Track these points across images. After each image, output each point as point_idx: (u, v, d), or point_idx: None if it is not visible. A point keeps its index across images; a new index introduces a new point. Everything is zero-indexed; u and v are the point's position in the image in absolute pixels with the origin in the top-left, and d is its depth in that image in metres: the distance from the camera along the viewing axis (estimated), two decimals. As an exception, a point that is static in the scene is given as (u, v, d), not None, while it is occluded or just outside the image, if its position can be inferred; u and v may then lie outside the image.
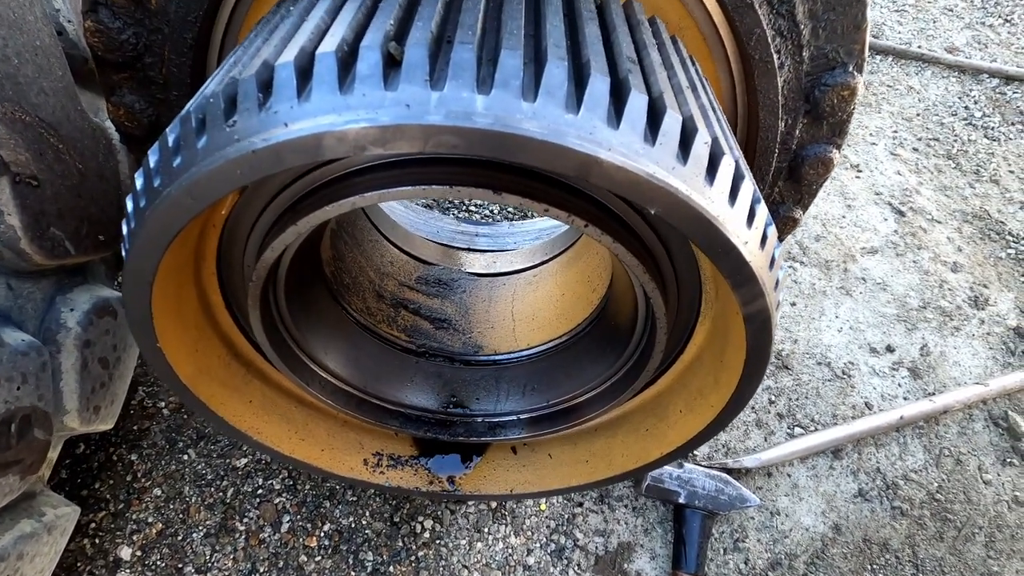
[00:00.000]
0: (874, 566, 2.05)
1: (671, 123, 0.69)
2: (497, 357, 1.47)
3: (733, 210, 0.74)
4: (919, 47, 3.79)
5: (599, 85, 0.65)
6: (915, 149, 3.20)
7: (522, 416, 1.36)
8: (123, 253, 0.84)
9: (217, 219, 0.95)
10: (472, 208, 2.65)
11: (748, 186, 0.77)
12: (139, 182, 0.77)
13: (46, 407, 1.33)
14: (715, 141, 0.74)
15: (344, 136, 0.62)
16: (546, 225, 2.15)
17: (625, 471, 1.29)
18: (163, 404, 2.10)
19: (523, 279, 1.64)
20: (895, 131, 3.28)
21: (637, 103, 0.67)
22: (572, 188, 0.86)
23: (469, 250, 1.82)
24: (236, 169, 0.65)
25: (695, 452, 2.21)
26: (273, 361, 1.12)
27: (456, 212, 2.63)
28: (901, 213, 2.92)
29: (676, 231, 0.95)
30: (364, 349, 1.35)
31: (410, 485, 1.38)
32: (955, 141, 3.25)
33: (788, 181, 1.46)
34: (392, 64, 0.65)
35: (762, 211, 0.80)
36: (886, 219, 2.91)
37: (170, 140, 0.71)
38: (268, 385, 1.26)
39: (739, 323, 0.92)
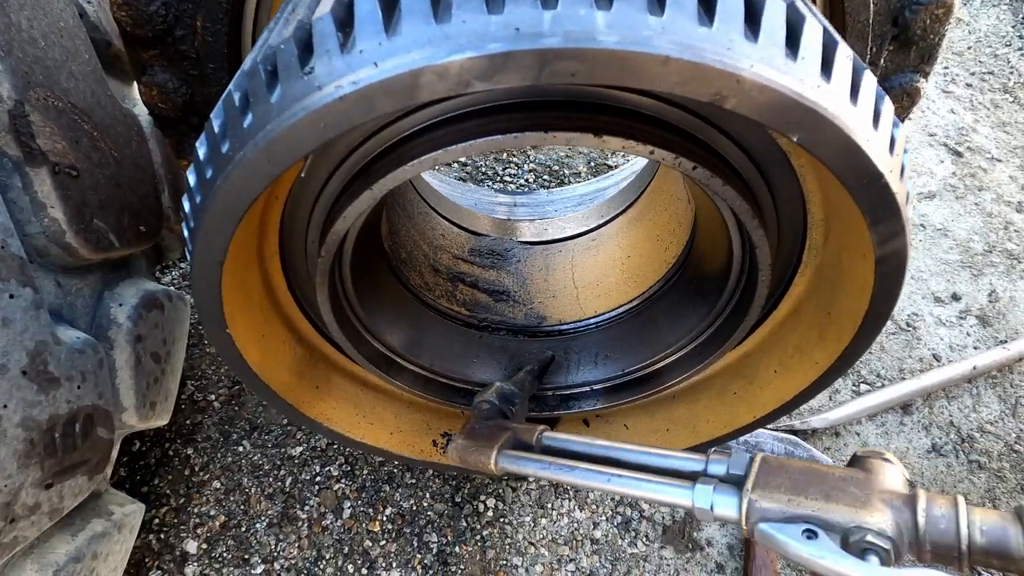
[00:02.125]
0: (956, 522, 1.96)
1: (812, 34, 0.59)
2: (563, 327, 1.39)
3: (877, 134, 0.65)
4: (963, -24, 3.55)
5: (732, -9, 0.56)
6: (968, 85, 3.01)
7: (595, 387, 1.29)
8: (186, 233, 0.77)
9: (281, 190, 0.88)
10: (507, 178, 2.55)
11: (889, 107, 0.68)
12: (202, 151, 0.69)
13: (106, 405, 1.29)
14: (854, 58, 0.64)
15: (446, 71, 0.53)
16: (587, 190, 2.05)
17: (712, 438, 1.21)
18: (213, 397, 2.07)
19: (580, 244, 1.55)
20: (945, 67, 3.08)
21: (775, 11, 0.57)
22: (675, 127, 0.76)
23: (514, 220, 1.74)
24: (320, 121, 0.57)
25: (758, 415, 2.13)
26: (342, 344, 1.06)
27: (490, 183, 2.53)
28: (958, 153, 2.76)
29: (784, 171, 0.86)
30: (428, 327, 1.29)
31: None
32: (1011, 73, 3.04)
33: (869, 117, 1.34)
34: (491, -16, 0.56)
35: (901, 138, 0.71)
36: (942, 161, 2.74)
37: (236, 98, 0.63)
38: (333, 369, 1.20)
39: (858, 268, 0.83)
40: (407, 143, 0.76)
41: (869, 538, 0.71)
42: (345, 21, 0.57)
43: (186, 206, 0.74)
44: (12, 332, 1.01)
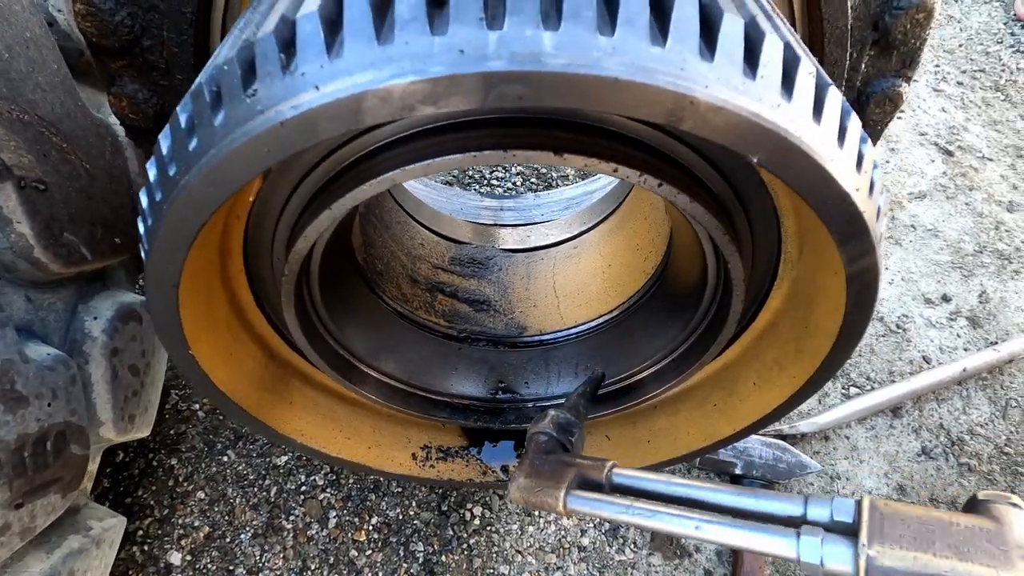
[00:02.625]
0: (945, 526, 1.95)
1: (772, 51, 0.57)
2: (544, 337, 1.38)
3: (843, 152, 0.63)
4: (955, -28, 3.53)
5: (687, 8, 0.54)
6: (959, 83, 2.99)
7: (576, 398, 1.27)
8: (142, 254, 0.75)
9: (241, 209, 0.86)
10: (494, 182, 2.53)
11: (855, 124, 0.66)
12: (152, 173, 0.67)
13: (80, 421, 1.27)
14: (818, 74, 0.62)
15: (389, 94, 0.51)
16: (575, 194, 2.03)
17: (692, 450, 1.20)
18: (197, 407, 2.05)
19: (562, 252, 1.54)
20: (936, 65, 3.06)
21: (733, 28, 0.55)
22: (639, 143, 0.75)
23: (499, 226, 1.72)
24: (262, 147, 0.55)
25: (747, 420, 2.12)
26: (312, 359, 1.04)
27: (477, 187, 2.51)
28: (949, 153, 2.74)
29: (755, 185, 0.84)
30: (404, 339, 1.27)
31: (462, 477, 1.31)
32: (1003, 71, 3.02)
33: (852, 123, 1.32)
34: (436, 3, 0.54)
35: (870, 153, 0.69)
36: (933, 160, 2.73)
37: (182, 120, 0.61)
38: (308, 385, 1.19)
39: (832, 284, 0.82)
40: (365, 161, 0.74)
41: (1013, 602, 0.65)
42: (288, 41, 0.56)
43: (140, 228, 0.73)
44: (-25, 352, 0.99)
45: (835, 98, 0.62)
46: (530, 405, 1.31)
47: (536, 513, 1.92)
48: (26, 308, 1.23)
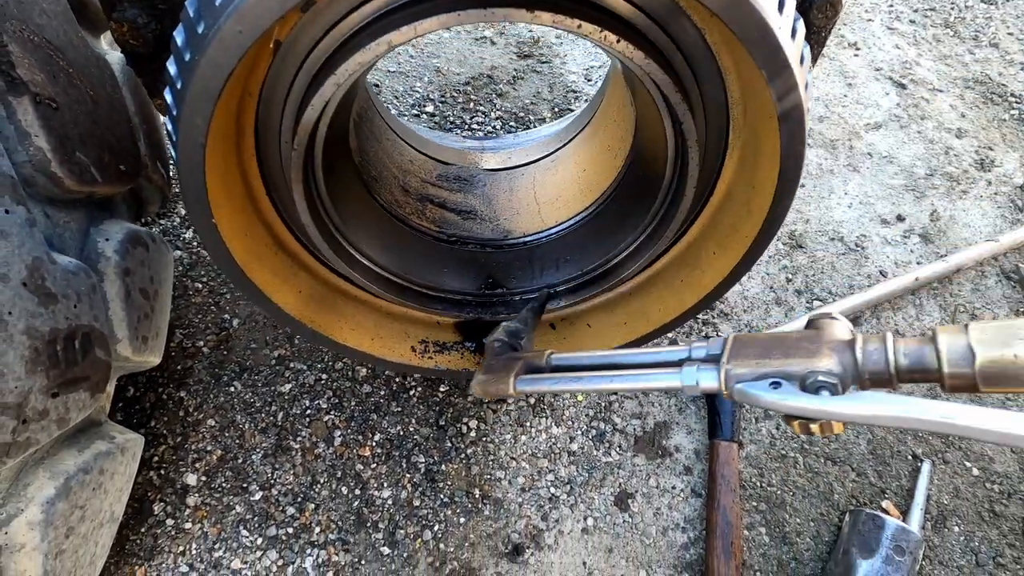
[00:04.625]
0: (900, 416, 2.14)
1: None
2: (527, 239, 1.50)
3: (765, -6, 0.75)
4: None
5: None
6: (912, 21, 3.15)
7: (559, 288, 1.41)
8: (169, 120, 0.86)
9: (253, 86, 0.96)
10: (475, 126, 2.63)
11: (776, -26, 0.78)
12: (180, 38, 0.78)
13: (102, 328, 1.37)
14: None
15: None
16: (551, 131, 2.15)
17: (664, 323, 1.34)
18: (202, 343, 2.15)
19: (541, 166, 1.66)
20: (891, 4, 3.21)
21: None
22: (600, 7, 0.87)
23: (481, 153, 1.83)
24: (283, -14, 0.66)
25: (720, 332, 2.28)
26: (318, 244, 1.15)
27: (459, 131, 2.61)
28: (902, 86, 2.90)
29: (700, 48, 0.96)
30: (399, 238, 1.39)
31: (459, 367, 1.44)
32: (952, 8, 3.19)
33: (797, 28, 1.45)
34: None
35: (790, 3, 0.82)
36: (887, 93, 2.89)
37: (207, -19, 0.72)
38: (315, 279, 1.29)
39: (771, 132, 0.95)
40: (363, 31, 0.85)
41: (820, 378, 0.85)
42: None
43: (168, 97, 0.83)
44: (11, 245, 1.09)
45: (758, -51, 0.75)
46: (517, 298, 1.44)
47: (528, 424, 2.07)
48: (45, 223, 1.32)
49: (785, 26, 0.78)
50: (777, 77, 0.81)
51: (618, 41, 0.84)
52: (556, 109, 2.76)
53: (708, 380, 0.93)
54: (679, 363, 0.99)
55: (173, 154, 0.85)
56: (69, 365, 1.26)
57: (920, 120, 2.79)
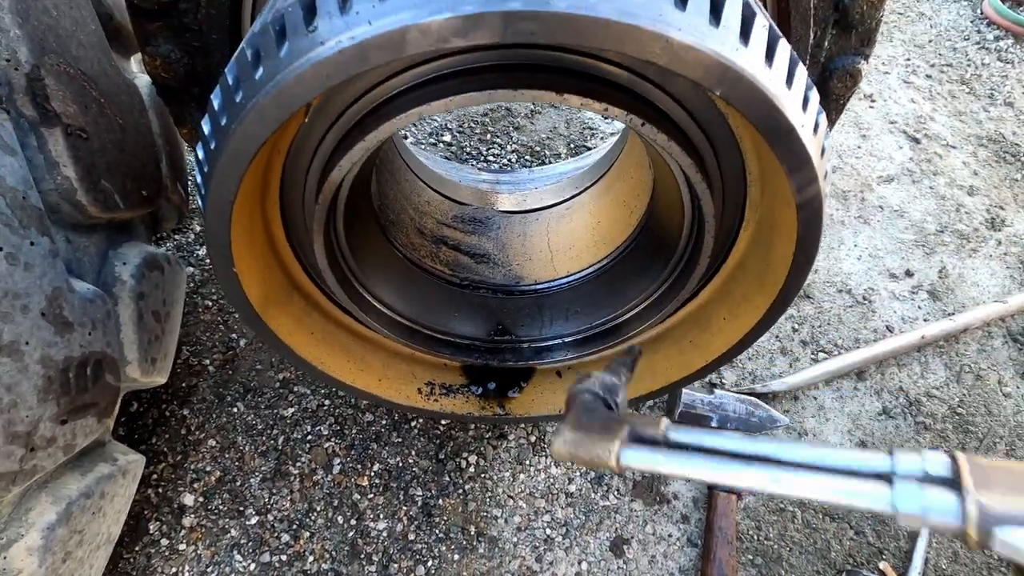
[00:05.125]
0: (901, 476, 2.13)
1: (732, 8, 0.71)
2: (538, 287, 1.51)
3: (791, 92, 0.77)
4: (929, -27, 3.72)
5: (665, -30, 0.68)
6: (928, 76, 3.18)
7: (567, 339, 1.42)
8: (199, 179, 0.88)
9: (283, 143, 0.98)
10: (490, 158, 2.66)
11: (802, 71, 0.80)
12: (217, 101, 0.80)
13: (113, 353, 1.39)
14: (771, 28, 0.76)
15: (428, 28, 0.65)
16: (566, 169, 2.17)
17: (669, 383, 1.35)
18: (208, 362, 2.17)
19: (555, 213, 1.67)
20: (908, 59, 3.25)
21: (701, -14, 0.69)
22: (626, 89, 0.89)
23: (497, 192, 1.85)
24: (323, 71, 0.68)
25: (724, 380, 2.28)
26: (333, 289, 1.16)
27: (475, 163, 2.64)
28: (916, 140, 2.92)
29: (722, 130, 0.98)
30: (413, 282, 1.40)
31: (463, 411, 1.44)
32: (968, 65, 3.22)
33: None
34: (466, -41, 0.67)
35: (814, 98, 0.83)
36: (901, 147, 2.91)
37: (249, 54, 0.74)
38: (327, 319, 1.31)
39: (788, 216, 0.96)
40: (395, 100, 0.87)
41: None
42: (344, -11, 0.69)
43: (200, 153, 0.85)
44: (32, 276, 1.11)
45: (784, 49, 0.77)
46: (525, 345, 1.45)
47: (527, 462, 2.07)
48: (66, 248, 1.34)
49: (808, 123, 0.80)
50: (798, 171, 0.82)
51: (643, 124, 0.86)
52: (572, 145, 2.79)
53: (944, 513, 0.65)
54: (879, 476, 0.71)
55: (200, 205, 0.87)
56: (80, 392, 1.27)
57: (932, 175, 2.81)
